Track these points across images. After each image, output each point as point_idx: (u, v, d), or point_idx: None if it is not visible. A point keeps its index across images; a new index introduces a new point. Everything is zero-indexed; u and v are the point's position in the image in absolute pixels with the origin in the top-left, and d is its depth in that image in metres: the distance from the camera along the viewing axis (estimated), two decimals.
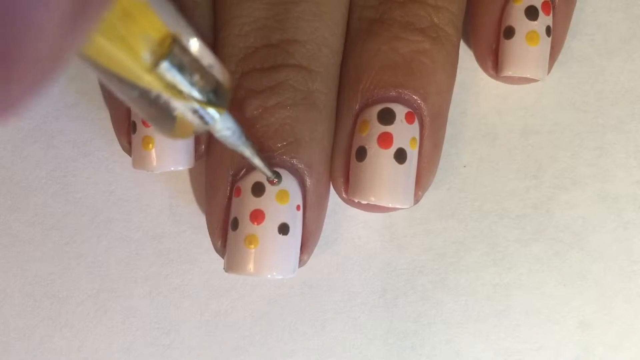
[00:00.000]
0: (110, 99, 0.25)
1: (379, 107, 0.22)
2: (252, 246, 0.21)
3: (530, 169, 0.26)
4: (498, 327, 0.25)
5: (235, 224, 0.22)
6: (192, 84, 0.16)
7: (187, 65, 0.15)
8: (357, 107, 0.22)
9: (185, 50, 0.15)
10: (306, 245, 0.23)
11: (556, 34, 0.24)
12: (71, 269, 0.25)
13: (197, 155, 0.23)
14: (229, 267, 0.22)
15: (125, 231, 0.25)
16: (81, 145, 0.26)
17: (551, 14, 0.24)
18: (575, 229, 0.25)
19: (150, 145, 0.22)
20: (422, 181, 0.23)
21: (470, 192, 0.26)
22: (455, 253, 0.25)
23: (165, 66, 0.15)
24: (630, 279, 0.25)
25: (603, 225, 0.26)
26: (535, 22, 0.23)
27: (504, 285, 0.25)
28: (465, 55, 0.25)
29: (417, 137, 0.22)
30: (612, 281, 0.25)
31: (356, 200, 0.22)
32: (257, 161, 0.20)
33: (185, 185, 0.26)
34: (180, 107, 0.16)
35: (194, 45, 0.15)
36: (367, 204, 0.22)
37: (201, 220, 0.25)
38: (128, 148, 0.24)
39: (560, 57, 0.25)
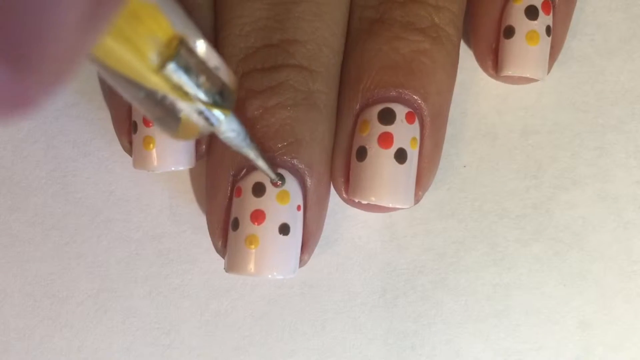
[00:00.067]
0: (111, 98, 0.25)
1: (379, 107, 0.22)
2: (253, 246, 0.21)
3: (530, 169, 0.26)
4: (498, 327, 0.25)
5: (236, 224, 0.22)
6: (198, 85, 0.16)
7: (193, 66, 0.15)
8: (358, 107, 0.22)
9: (191, 51, 0.15)
10: (307, 245, 0.23)
11: (556, 34, 0.24)
12: (71, 269, 0.25)
13: (198, 155, 0.23)
14: (230, 268, 0.22)
15: (125, 231, 0.25)
16: (81, 145, 0.26)
17: (551, 14, 0.24)
18: (575, 229, 0.25)
19: (151, 145, 0.22)
20: (422, 181, 0.23)
21: (470, 192, 0.26)
22: (455, 253, 0.25)
23: (171, 67, 0.15)
24: (630, 279, 0.25)
25: (603, 225, 0.26)
26: (535, 22, 0.23)
27: (504, 285, 0.25)
28: (466, 55, 0.25)
29: (418, 137, 0.22)
30: (612, 281, 0.25)
31: (356, 200, 0.22)
32: (261, 163, 0.20)
33: (186, 185, 0.26)
34: (186, 109, 0.16)
35: (201, 46, 0.15)
36: (368, 204, 0.22)
37: (201, 220, 0.25)
38: (129, 148, 0.24)
39: (560, 57, 0.25)
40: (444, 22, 0.23)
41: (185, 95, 0.15)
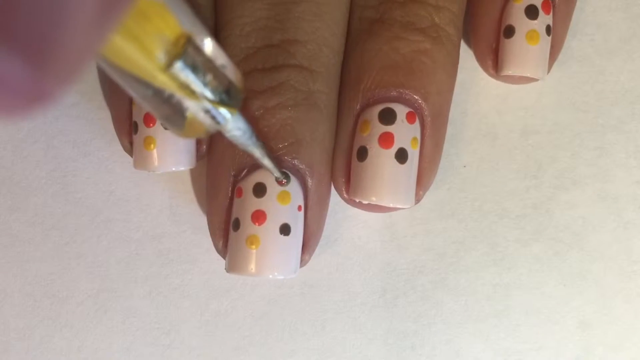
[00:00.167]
0: (111, 98, 0.25)
1: (379, 107, 0.22)
2: (254, 247, 0.21)
3: (530, 169, 0.26)
4: (498, 327, 0.25)
5: (237, 225, 0.22)
6: (205, 84, 0.15)
7: (200, 65, 0.15)
8: (358, 107, 0.22)
9: (199, 50, 0.15)
10: (307, 245, 0.23)
11: (556, 33, 0.24)
12: (71, 269, 0.25)
13: (199, 155, 0.23)
14: (231, 268, 0.22)
15: (125, 231, 0.25)
16: (81, 145, 0.26)
17: (551, 13, 0.24)
18: (575, 229, 0.26)
19: (152, 145, 0.22)
20: (423, 181, 0.23)
21: (470, 192, 0.26)
22: (455, 253, 0.25)
23: (179, 66, 0.15)
24: (630, 279, 0.25)
25: (603, 225, 0.26)
26: (535, 21, 0.23)
27: (504, 285, 0.25)
28: (466, 55, 0.25)
29: (418, 137, 0.22)
30: (612, 281, 0.25)
31: (357, 200, 0.22)
32: (266, 162, 0.20)
33: (186, 186, 0.26)
34: (192, 107, 0.16)
35: (208, 45, 0.15)
36: (368, 204, 0.22)
37: (201, 220, 0.25)
38: (129, 148, 0.24)
39: (560, 57, 0.25)
40: (444, 22, 0.23)
41: (192, 93, 0.15)
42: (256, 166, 0.22)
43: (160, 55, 0.14)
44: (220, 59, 0.16)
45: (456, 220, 0.26)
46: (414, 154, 0.22)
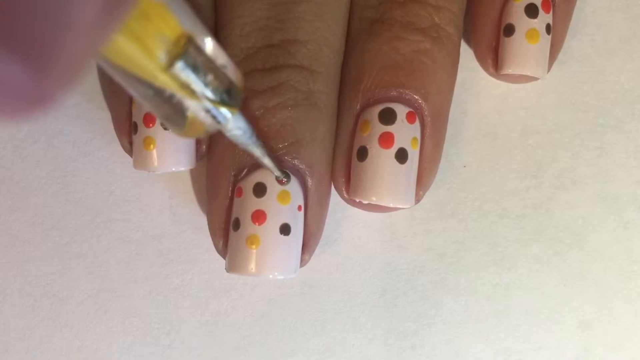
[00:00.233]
0: (111, 98, 0.25)
1: (380, 107, 0.22)
2: (254, 246, 0.21)
3: (530, 169, 0.26)
4: (498, 327, 0.25)
5: (237, 225, 0.22)
6: (206, 83, 0.16)
7: (201, 65, 0.15)
8: (358, 107, 0.22)
9: (199, 50, 0.15)
10: (307, 245, 0.23)
11: (556, 32, 0.24)
12: (71, 269, 0.25)
13: (199, 155, 0.23)
14: (231, 268, 0.22)
15: (125, 231, 0.25)
16: (81, 145, 0.26)
17: (551, 12, 0.24)
18: (575, 229, 0.26)
19: (152, 145, 0.22)
20: (423, 181, 0.23)
21: (470, 192, 0.26)
22: (455, 253, 0.25)
23: (180, 66, 0.15)
24: (630, 279, 0.25)
25: (603, 225, 0.26)
26: (535, 20, 0.23)
27: (504, 285, 0.25)
28: (466, 55, 0.25)
29: (418, 137, 0.22)
30: (612, 281, 0.25)
31: (357, 200, 0.22)
32: (267, 161, 0.20)
33: (186, 186, 0.26)
34: (193, 107, 0.16)
35: (209, 45, 0.15)
36: (368, 203, 0.22)
37: (201, 220, 0.25)
38: (129, 148, 0.24)
39: (560, 56, 0.25)
40: (444, 21, 0.23)
41: (193, 93, 0.15)
42: (256, 166, 0.22)
43: (161, 56, 0.14)
44: (220, 58, 0.16)
45: (456, 220, 0.26)
46: (414, 154, 0.22)
